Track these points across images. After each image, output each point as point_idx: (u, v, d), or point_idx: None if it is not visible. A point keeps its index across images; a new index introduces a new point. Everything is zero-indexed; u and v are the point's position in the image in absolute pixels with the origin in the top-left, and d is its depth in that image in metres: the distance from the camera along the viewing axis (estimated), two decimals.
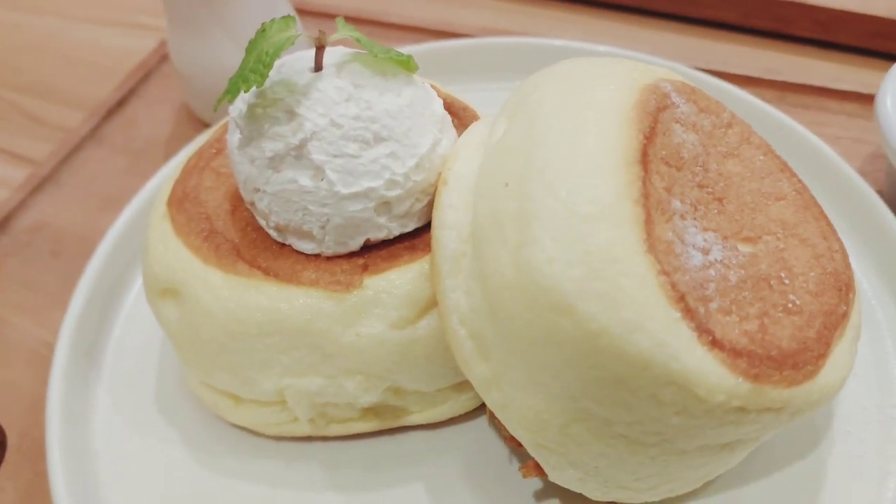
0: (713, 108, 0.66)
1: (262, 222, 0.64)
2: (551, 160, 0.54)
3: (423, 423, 0.68)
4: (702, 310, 0.51)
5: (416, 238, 0.63)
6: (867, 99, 0.97)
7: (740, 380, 0.51)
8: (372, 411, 0.67)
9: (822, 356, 0.55)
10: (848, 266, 0.62)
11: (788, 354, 0.53)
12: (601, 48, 0.94)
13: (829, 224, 0.65)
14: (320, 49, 0.59)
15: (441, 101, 0.65)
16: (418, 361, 0.62)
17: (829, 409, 0.68)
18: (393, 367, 0.62)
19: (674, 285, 0.51)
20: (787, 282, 0.58)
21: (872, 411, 0.67)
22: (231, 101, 0.57)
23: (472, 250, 0.57)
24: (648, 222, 0.52)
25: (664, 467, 0.56)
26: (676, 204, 0.56)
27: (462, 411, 0.69)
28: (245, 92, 0.56)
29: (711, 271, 0.55)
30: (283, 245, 0.63)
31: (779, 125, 0.86)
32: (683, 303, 0.51)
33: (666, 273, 0.51)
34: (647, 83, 0.60)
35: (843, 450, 0.65)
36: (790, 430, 0.66)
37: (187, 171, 0.70)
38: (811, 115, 0.96)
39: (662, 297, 0.50)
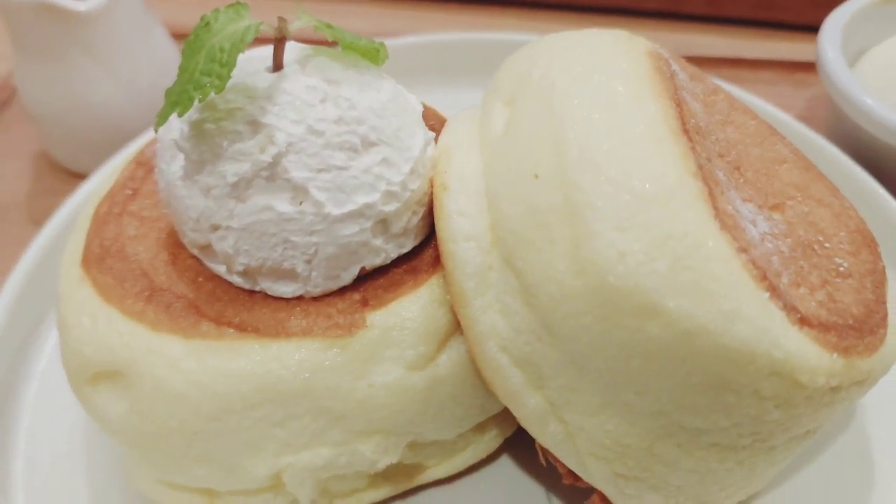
0: (699, 76, 0.62)
1: (221, 268, 0.51)
2: (589, 139, 0.46)
3: (441, 476, 0.58)
4: (781, 286, 0.46)
5: (415, 259, 0.53)
6: (778, 66, 0.99)
7: (835, 356, 0.45)
8: (381, 475, 0.56)
9: (885, 316, 0.51)
10: (863, 220, 0.59)
11: (862, 320, 0.49)
12: (519, 38, 0.87)
13: (831, 182, 0.62)
14: (280, 42, 0.48)
15: (415, 98, 0.55)
16: (445, 404, 0.52)
17: None
18: (416, 417, 0.51)
19: (754, 262, 0.44)
20: (827, 245, 0.54)
21: None
22: (182, 114, 0.44)
23: (499, 261, 0.48)
24: (712, 196, 0.45)
25: (752, 469, 0.50)
26: (720, 175, 0.50)
27: (483, 455, 0.59)
28: (201, 101, 0.44)
29: (768, 244, 0.49)
30: (253, 292, 0.51)
31: None
32: (767, 281, 0.44)
33: (744, 250, 0.44)
34: (647, 49, 0.54)
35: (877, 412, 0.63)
36: None
37: (100, 221, 0.56)
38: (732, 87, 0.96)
39: (749, 278, 0.44)
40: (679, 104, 0.50)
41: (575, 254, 0.44)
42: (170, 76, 0.46)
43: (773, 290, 0.44)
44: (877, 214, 0.72)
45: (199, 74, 0.44)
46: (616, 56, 0.51)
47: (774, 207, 0.55)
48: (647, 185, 0.44)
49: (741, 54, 1.04)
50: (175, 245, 0.54)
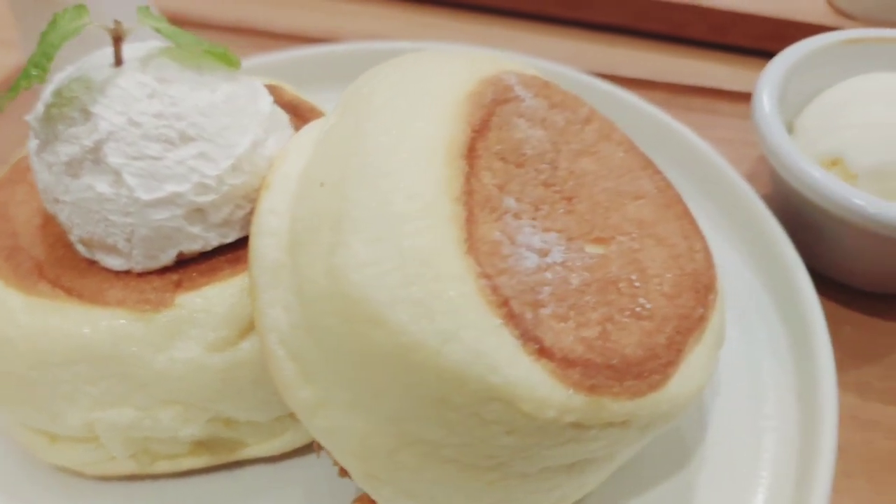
0: (569, 103, 0.62)
1: (71, 237, 0.57)
2: (372, 155, 0.48)
3: (263, 455, 0.61)
4: (529, 315, 0.46)
5: (240, 250, 0.57)
6: None
7: (571, 392, 0.45)
8: (203, 445, 0.60)
9: (671, 364, 0.50)
10: (710, 266, 0.58)
11: (633, 363, 0.49)
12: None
13: (693, 223, 0.60)
14: (117, 41, 0.53)
15: (270, 99, 0.59)
16: (243, 388, 0.56)
17: (701, 418, 0.63)
18: (214, 395, 0.55)
19: (495, 289, 0.46)
20: (637, 284, 0.53)
21: (745, 421, 0.63)
22: (11, 99, 0.51)
23: (290, 259, 0.52)
24: (470, 221, 0.47)
25: (507, 493, 0.51)
26: (510, 202, 0.51)
27: (307, 441, 0.62)
28: (26, 88, 0.50)
29: (548, 274, 0.50)
30: (93, 262, 0.57)
31: (662, 127, 0.82)
32: (506, 308, 0.45)
33: (487, 276, 0.46)
34: (487, 75, 0.56)
35: (714, 462, 0.61)
36: (659, 441, 0.61)
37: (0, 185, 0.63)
38: (700, 118, 0.93)
39: (481, 302, 0.45)
40: (479, 130, 0.51)
41: (328, 259, 0.47)
42: None
43: (511, 318, 0.45)
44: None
45: (32, 66, 0.50)
46: (439, 80, 0.53)
47: (597, 241, 0.55)
48: (402, 204, 0.46)
49: (741, 87, 1.01)
50: (49, 213, 0.60)
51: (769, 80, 0.74)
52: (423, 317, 0.44)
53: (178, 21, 1.07)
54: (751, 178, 0.86)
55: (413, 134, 0.49)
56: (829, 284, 0.75)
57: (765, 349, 0.66)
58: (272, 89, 0.67)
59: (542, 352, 0.45)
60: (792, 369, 0.64)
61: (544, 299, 0.48)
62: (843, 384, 0.69)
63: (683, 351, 0.52)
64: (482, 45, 0.96)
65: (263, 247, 0.53)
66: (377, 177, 0.47)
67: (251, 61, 0.92)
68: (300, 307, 0.50)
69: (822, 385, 0.60)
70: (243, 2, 1.12)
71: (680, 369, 0.51)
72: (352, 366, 0.47)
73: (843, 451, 0.65)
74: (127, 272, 0.56)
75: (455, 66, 0.56)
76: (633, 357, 0.49)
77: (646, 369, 0.49)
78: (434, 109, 0.51)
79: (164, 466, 0.60)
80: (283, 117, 0.61)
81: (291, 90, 0.70)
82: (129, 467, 0.60)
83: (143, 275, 0.56)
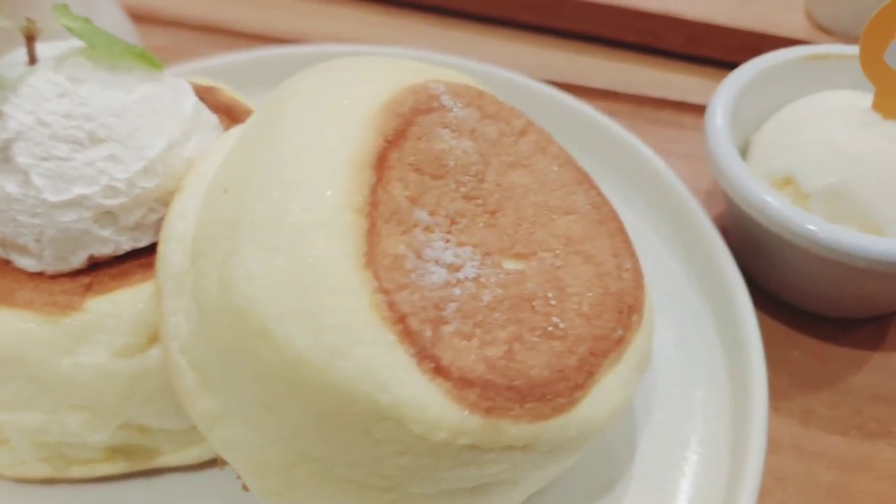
0: (504, 114, 0.60)
1: None
2: (275, 162, 0.47)
3: (180, 464, 0.60)
4: (428, 333, 0.45)
5: (153, 254, 0.56)
6: None
7: (467, 413, 0.44)
8: (120, 452, 0.59)
9: (580, 387, 0.49)
10: (638, 286, 0.56)
11: (537, 384, 0.47)
12: (439, 57, 0.88)
13: (626, 241, 0.59)
14: (29, 39, 0.52)
15: (194, 100, 0.58)
16: (153, 396, 0.54)
17: (631, 440, 0.62)
18: (122, 401, 0.54)
19: (392, 304, 0.44)
20: (553, 303, 0.51)
21: (677, 444, 0.61)
22: None
23: (193, 267, 0.50)
24: (372, 234, 0.46)
25: None
26: (421, 215, 0.50)
27: None
28: None
29: (456, 290, 0.48)
30: (8, 262, 0.56)
31: (612, 138, 0.81)
32: (403, 325, 0.44)
33: (385, 291, 0.44)
34: (412, 83, 0.54)
35: (642, 484, 0.59)
36: (585, 463, 0.59)
37: None
38: (666, 131, 0.91)
39: (375, 318, 0.43)
40: (393, 140, 0.50)
41: (220, 269, 0.45)
42: None
43: (407, 335, 0.44)
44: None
45: None
46: (357, 87, 0.52)
47: (517, 256, 0.53)
48: (298, 214, 0.45)
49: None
50: None
51: (723, 96, 0.73)
52: (313, 332, 0.42)
53: (150, 19, 1.07)
54: (709, 194, 0.84)
55: (319, 142, 0.48)
56: (780, 307, 0.74)
57: (701, 372, 0.64)
58: (208, 91, 0.67)
59: (439, 371, 0.44)
60: (727, 393, 0.62)
61: (448, 316, 0.47)
62: (788, 412, 0.67)
63: (596, 374, 0.50)
64: (449, 51, 0.95)
65: (170, 252, 0.52)
66: (277, 185, 0.46)
67: (213, 61, 0.91)
68: (198, 316, 0.49)
69: (754, 412, 0.58)
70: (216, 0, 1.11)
71: (591, 392, 0.49)
72: (245, 379, 0.46)
73: (782, 481, 0.63)
74: (40, 274, 0.55)
75: (377, 74, 0.54)
76: (539, 378, 0.47)
77: (551, 391, 0.47)
78: (345, 118, 0.49)
79: (79, 471, 0.59)
80: (211, 119, 0.60)
81: (229, 92, 0.69)
82: (45, 471, 0.59)
83: (55, 277, 0.55)
